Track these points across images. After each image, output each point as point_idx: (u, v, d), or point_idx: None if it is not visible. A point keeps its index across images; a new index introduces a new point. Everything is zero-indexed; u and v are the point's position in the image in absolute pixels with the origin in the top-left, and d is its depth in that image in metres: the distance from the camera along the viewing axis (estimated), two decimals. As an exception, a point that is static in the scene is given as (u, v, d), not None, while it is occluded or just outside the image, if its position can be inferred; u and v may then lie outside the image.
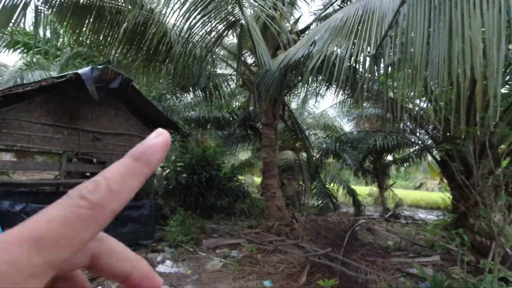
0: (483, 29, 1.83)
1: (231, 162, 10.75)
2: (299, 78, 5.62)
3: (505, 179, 4.23)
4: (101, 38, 4.47)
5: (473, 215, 4.82)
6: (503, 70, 1.78)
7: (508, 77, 5.01)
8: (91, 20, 4.20)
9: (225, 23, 4.88)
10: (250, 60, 7.79)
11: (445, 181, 5.94)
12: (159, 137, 0.20)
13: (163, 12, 3.99)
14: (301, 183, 8.39)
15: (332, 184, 10.11)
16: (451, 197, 5.74)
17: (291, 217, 5.82)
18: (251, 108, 8.94)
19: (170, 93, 8.58)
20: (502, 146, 5.03)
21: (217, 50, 7.70)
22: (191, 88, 7.22)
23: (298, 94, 11.36)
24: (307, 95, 10.87)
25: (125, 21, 4.07)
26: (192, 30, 4.54)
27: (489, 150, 3.35)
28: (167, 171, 6.02)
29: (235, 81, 7.70)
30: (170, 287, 3.72)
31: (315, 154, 10.37)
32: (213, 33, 4.97)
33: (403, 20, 2.43)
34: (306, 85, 6.52)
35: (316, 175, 9.58)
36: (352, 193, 10.38)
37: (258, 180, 16.17)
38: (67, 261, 0.17)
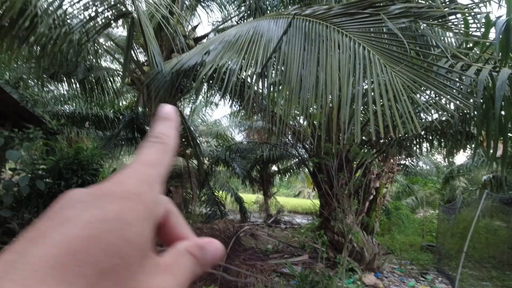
0: (339, 68, 2.24)
1: (112, 166, 9.60)
2: (193, 84, 5.58)
3: (354, 188, 5.27)
4: None
5: (333, 218, 5.79)
6: (351, 102, 2.22)
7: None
8: None
9: (114, 11, 4.39)
10: (142, 58, 7.24)
11: (316, 189, 6.94)
12: (167, 107, 0.29)
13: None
14: (189, 190, 8.23)
15: (221, 192, 10.34)
16: (319, 203, 6.74)
17: (176, 226, 5.61)
18: (140, 109, 8.28)
19: (34, 80, 7.05)
20: (355, 162, 6.31)
21: (102, 40, 6.85)
22: (64, 78, 6.11)
23: (192, 101, 11.27)
24: (200, 102, 10.90)
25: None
26: (69, 10, 3.88)
27: (345, 165, 4.11)
28: (21, 175, 4.82)
29: (122, 78, 6.98)
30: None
31: (205, 162, 10.42)
32: (98, 19, 4.39)
33: (285, 46, 2.74)
34: (197, 93, 6.52)
35: (205, 183, 9.61)
36: (239, 200, 10.88)
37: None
38: (164, 176, 0.24)
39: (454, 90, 2.00)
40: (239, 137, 13.61)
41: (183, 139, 8.13)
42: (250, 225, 8.98)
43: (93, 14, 4.23)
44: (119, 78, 6.98)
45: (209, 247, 0.25)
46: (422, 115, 5.83)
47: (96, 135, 9.25)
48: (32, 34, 3.93)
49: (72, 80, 6.32)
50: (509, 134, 2.53)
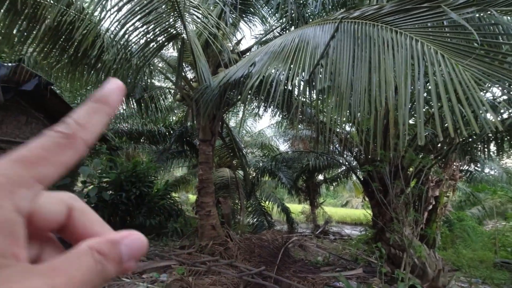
0: (395, 68, 2.12)
1: (165, 178, 10.20)
2: (238, 96, 5.73)
3: (412, 197, 4.88)
4: (14, 32, 3.86)
5: (389, 230, 5.40)
6: (410, 104, 2.08)
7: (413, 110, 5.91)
8: (1, 10, 3.61)
9: (165, 34, 4.75)
10: (190, 75, 7.69)
11: (367, 199, 6.57)
12: (112, 83, 0.24)
13: (96, 14, 3.69)
14: (236, 201, 8.36)
15: (267, 202, 10.33)
16: (371, 213, 6.36)
17: (226, 236, 5.70)
18: (188, 123, 8.73)
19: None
20: (411, 169, 5.86)
21: (155, 61, 7.42)
22: (123, 99, 6.75)
23: (237, 112, 11.55)
24: (245, 113, 11.12)
25: (48, 17, 3.63)
26: (129, 38, 4.29)
27: (401, 172, 3.84)
28: (89, 187, 5.37)
29: (172, 95, 7.46)
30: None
31: (251, 172, 10.53)
32: (153, 43, 4.79)
33: (333, 52, 2.68)
34: (244, 104, 6.67)
35: (252, 193, 9.68)
36: (286, 211, 10.75)
37: (193, 197, 15.61)
38: (51, 179, 0.20)
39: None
40: (283, 146, 13.58)
41: (230, 150, 8.35)
42: (298, 236, 8.77)
43: (149, 39, 4.62)
44: (170, 95, 7.47)
45: (126, 240, 0.22)
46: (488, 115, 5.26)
47: (150, 149, 9.95)
48: (100, 61, 4.41)
49: (130, 100, 6.92)
50: None
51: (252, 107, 10.04)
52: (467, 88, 1.56)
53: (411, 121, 6.33)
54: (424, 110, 1.90)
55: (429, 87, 1.86)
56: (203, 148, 5.95)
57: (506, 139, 5.48)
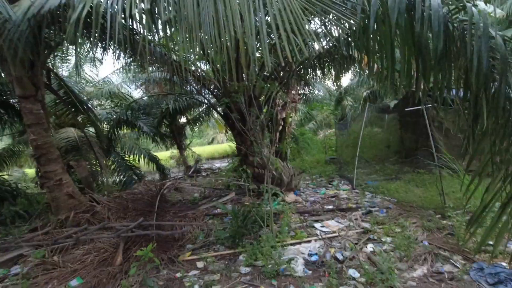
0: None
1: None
2: (62, 35, 4.52)
3: (266, 121, 5.58)
4: None
5: (251, 154, 6.14)
6: (256, 33, 2.17)
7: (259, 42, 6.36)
8: None
9: None
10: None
11: (229, 131, 7.07)
12: None
13: None
14: (94, 161, 7.32)
15: (131, 156, 9.58)
16: (235, 143, 6.96)
17: (90, 200, 5.05)
18: (-6, 77, 6.43)
19: None
20: (262, 97, 6.58)
21: None
22: None
23: (68, 58, 9.35)
24: (78, 57, 9.15)
25: None
26: None
27: (254, 100, 4.23)
28: None
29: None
30: None
31: (105, 127, 9.26)
32: None
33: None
34: (74, 45, 5.39)
35: (111, 150, 8.69)
36: (154, 159, 10.36)
37: (31, 171, 12.64)
38: None
39: (343, 9, 2.16)
40: (137, 93, 12.31)
41: (69, 105, 6.87)
42: (172, 181, 8.81)
43: None
44: None
45: None
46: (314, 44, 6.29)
47: None
48: None
49: None
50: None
51: (85, 49, 8.29)
52: (298, 18, 1.74)
53: (257, 54, 6.85)
54: (267, 41, 2.04)
55: (273, 14, 1.97)
56: (28, 106, 4.62)
57: (327, 64, 6.79)
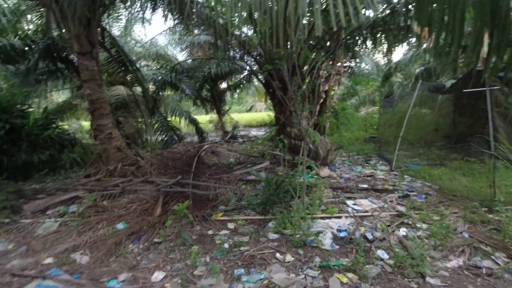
0: None
1: (42, 106, 8.46)
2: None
3: (307, 92, 5.41)
4: None
5: (289, 124, 6.07)
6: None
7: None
8: None
9: None
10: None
11: (269, 100, 7.01)
12: None
13: None
14: (139, 119, 7.78)
15: (173, 117, 10.01)
16: (273, 113, 6.92)
17: (135, 155, 5.45)
18: (55, 33, 6.90)
19: None
20: (305, 67, 6.33)
21: None
22: None
23: (119, 17, 9.66)
24: (130, 19, 9.41)
25: None
26: None
27: (297, 69, 4.08)
28: None
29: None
30: (-16, 273, 2.86)
31: (150, 87, 9.68)
32: None
33: None
34: (127, 5, 5.53)
35: (155, 109, 9.13)
36: (194, 122, 10.74)
37: (87, 124, 13.85)
38: None
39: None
40: (181, 56, 12.53)
41: (120, 64, 7.23)
42: (209, 144, 9.12)
43: None
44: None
45: None
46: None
47: (7, 72, 7.74)
48: None
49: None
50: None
51: (136, 9, 8.47)
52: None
53: (304, 21, 6.49)
54: (318, 4, 1.89)
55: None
56: (84, 63, 4.95)
57: (379, 35, 6.23)
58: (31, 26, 7.59)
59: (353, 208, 4.10)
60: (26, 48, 6.89)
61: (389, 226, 3.47)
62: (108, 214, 3.89)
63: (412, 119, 7.60)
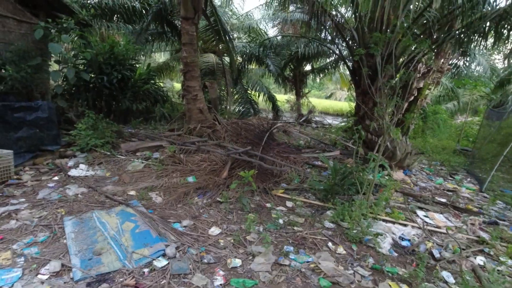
0: None
1: (146, 62, 9.64)
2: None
3: (399, 84, 4.92)
4: None
5: (369, 117, 5.68)
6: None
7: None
8: None
9: None
10: None
11: (353, 90, 6.62)
12: None
13: None
14: (223, 87, 8.25)
15: (253, 91, 10.30)
16: (354, 104, 6.53)
17: (213, 119, 5.87)
18: (167, -2, 7.63)
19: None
20: (401, 59, 5.70)
21: None
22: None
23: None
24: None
25: None
26: None
27: (393, 58, 3.73)
28: (63, 67, 4.99)
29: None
30: (88, 189, 3.57)
31: (238, 59, 10.06)
32: None
33: None
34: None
35: (238, 80, 9.52)
36: (272, 99, 10.89)
37: (177, 85, 15.28)
38: None
39: None
40: (272, 31, 12.60)
41: (215, 33, 7.66)
42: (282, 123, 9.20)
43: None
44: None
45: None
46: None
47: (126, 30, 8.98)
48: None
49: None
50: None
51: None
52: None
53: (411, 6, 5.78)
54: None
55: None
56: (186, 27, 5.40)
57: (505, 30, 5.14)
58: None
59: (423, 220, 3.73)
60: (143, 11, 7.84)
61: (463, 249, 3.07)
62: (183, 166, 4.35)
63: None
